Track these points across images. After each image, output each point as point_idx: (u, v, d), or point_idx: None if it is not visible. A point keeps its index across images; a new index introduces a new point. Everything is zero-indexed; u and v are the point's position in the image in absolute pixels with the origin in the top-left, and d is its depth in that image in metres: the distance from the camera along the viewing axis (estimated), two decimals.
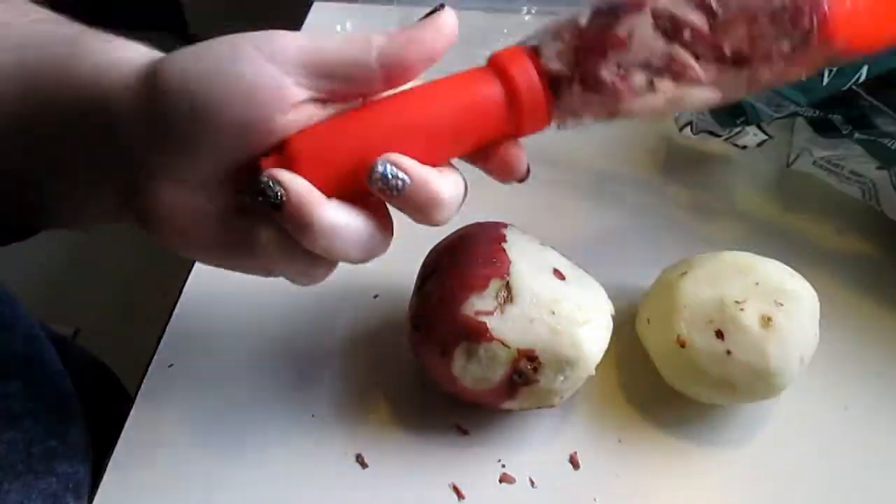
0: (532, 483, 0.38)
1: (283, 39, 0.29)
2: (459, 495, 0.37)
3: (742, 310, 0.37)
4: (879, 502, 0.38)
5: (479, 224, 0.40)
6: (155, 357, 0.43)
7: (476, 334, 0.36)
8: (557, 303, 0.36)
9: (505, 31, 0.59)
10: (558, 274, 0.38)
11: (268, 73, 0.28)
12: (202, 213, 0.31)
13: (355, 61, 0.29)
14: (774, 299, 0.37)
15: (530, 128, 0.31)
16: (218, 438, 0.39)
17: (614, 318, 0.39)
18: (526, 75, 0.30)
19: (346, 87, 0.29)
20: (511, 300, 0.36)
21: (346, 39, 0.29)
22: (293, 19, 0.65)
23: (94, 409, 0.45)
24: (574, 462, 0.39)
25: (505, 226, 0.39)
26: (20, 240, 0.38)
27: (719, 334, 0.37)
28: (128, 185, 0.31)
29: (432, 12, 0.30)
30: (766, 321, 0.36)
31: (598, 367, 0.37)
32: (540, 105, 0.30)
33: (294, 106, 0.29)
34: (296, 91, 0.28)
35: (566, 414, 0.40)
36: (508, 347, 0.36)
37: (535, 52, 0.31)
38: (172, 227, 0.31)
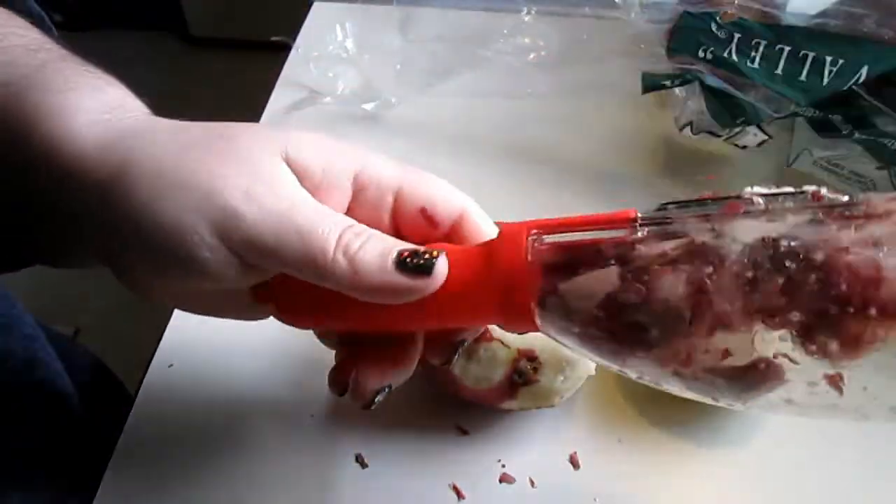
0: (532, 483, 0.38)
1: (249, 229, 0.26)
2: (459, 495, 0.37)
3: None
4: (879, 502, 0.38)
5: None
6: (155, 357, 0.43)
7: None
8: None
9: (505, 31, 0.59)
10: None
11: (222, 256, 0.26)
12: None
13: (314, 280, 0.27)
14: None
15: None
16: (218, 438, 0.39)
17: None
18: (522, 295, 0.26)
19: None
20: None
21: (308, 261, 0.26)
22: (293, 19, 0.65)
23: (94, 409, 0.45)
24: (574, 462, 0.39)
25: None
26: (13, 270, 0.36)
27: None
28: (104, 254, 0.29)
29: (422, 267, 0.26)
30: None
31: (598, 367, 0.37)
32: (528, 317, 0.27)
33: (244, 271, 0.27)
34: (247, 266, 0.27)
35: (566, 414, 0.40)
36: (508, 347, 0.36)
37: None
38: (151, 295, 0.30)
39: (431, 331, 0.31)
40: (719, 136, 0.51)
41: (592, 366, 0.37)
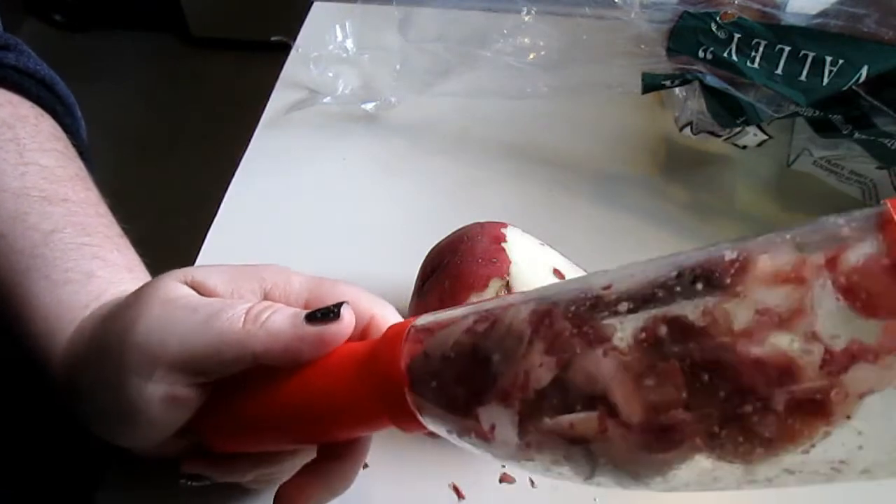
0: (532, 483, 0.38)
1: (160, 349, 0.29)
2: (459, 495, 0.37)
3: None
4: (879, 502, 0.38)
5: (479, 224, 0.40)
6: None
7: None
8: None
9: (505, 31, 0.59)
10: (558, 274, 0.38)
11: (152, 395, 0.29)
12: None
13: (232, 362, 0.29)
14: None
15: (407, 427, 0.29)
16: None
17: None
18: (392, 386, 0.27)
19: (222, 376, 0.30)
20: None
21: (222, 339, 0.28)
22: (293, 19, 0.65)
23: None
24: None
25: (505, 226, 0.39)
26: None
27: None
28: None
29: (329, 313, 0.28)
30: None
31: None
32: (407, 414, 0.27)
33: (176, 405, 0.30)
34: (179, 392, 0.30)
35: None
36: None
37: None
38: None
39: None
40: (719, 136, 0.51)
41: None
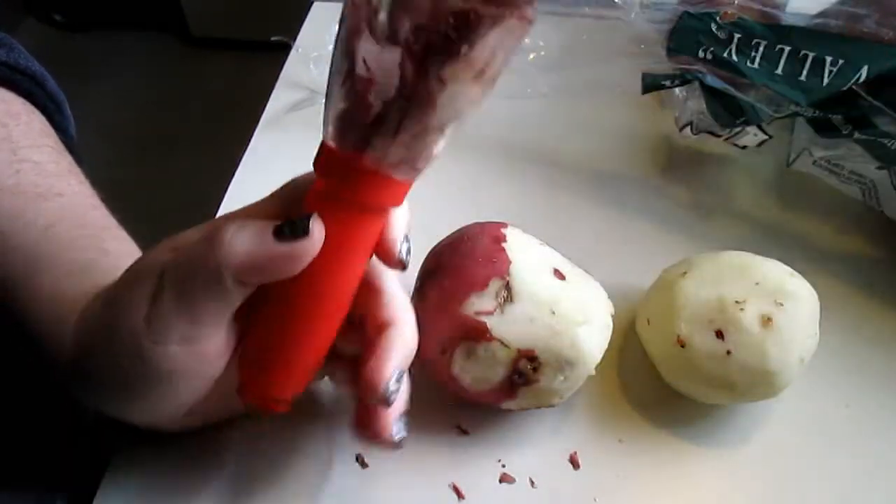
0: (532, 483, 0.38)
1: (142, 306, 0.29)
2: (459, 495, 0.37)
3: (742, 310, 0.37)
4: (880, 502, 0.38)
5: (479, 224, 0.40)
6: None
7: (476, 334, 0.36)
8: (557, 303, 0.36)
9: None
10: (558, 274, 0.38)
11: (174, 354, 0.29)
12: None
13: (219, 291, 0.28)
14: (774, 299, 0.37)
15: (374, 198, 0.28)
16: (217, 438, 0.39)
17: (614, 318, 0.39)
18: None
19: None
20: (511, 300, 0.36)
21: (201, 262, 0.28)
22: (293, 19, 0.65)
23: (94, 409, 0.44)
24: (574, 462, 0.39)
25: (505, 226, 0.39)
26: None
27: (719, 334, 0.37)
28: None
29: (297, 228, 0.27)
30: (766, 321, 0.36)
31: (598, 367, 0.37)
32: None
33: (198, 359, 0.30)
34: (198, 344, 0.30)
35: (566, 414, 0.40)
36: (508, 347, 0.36)
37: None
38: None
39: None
40: (719, 136, 0.51)
41: (592, 366, 0.37)
